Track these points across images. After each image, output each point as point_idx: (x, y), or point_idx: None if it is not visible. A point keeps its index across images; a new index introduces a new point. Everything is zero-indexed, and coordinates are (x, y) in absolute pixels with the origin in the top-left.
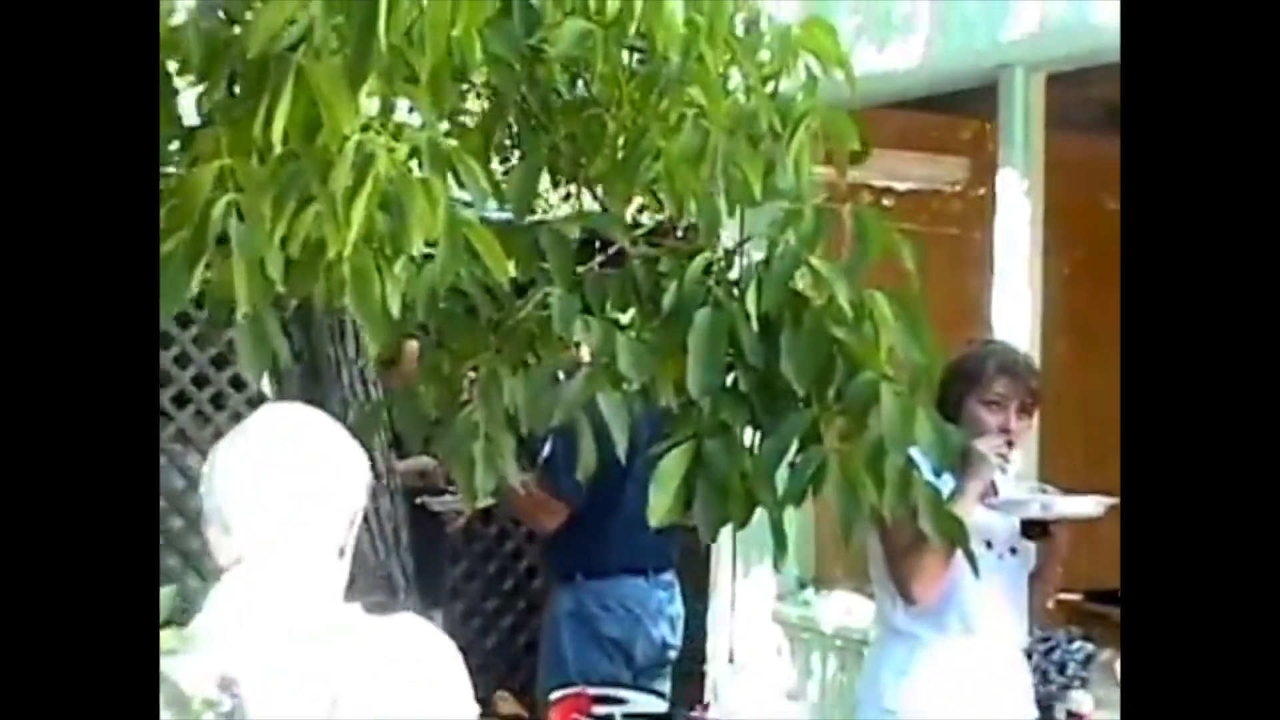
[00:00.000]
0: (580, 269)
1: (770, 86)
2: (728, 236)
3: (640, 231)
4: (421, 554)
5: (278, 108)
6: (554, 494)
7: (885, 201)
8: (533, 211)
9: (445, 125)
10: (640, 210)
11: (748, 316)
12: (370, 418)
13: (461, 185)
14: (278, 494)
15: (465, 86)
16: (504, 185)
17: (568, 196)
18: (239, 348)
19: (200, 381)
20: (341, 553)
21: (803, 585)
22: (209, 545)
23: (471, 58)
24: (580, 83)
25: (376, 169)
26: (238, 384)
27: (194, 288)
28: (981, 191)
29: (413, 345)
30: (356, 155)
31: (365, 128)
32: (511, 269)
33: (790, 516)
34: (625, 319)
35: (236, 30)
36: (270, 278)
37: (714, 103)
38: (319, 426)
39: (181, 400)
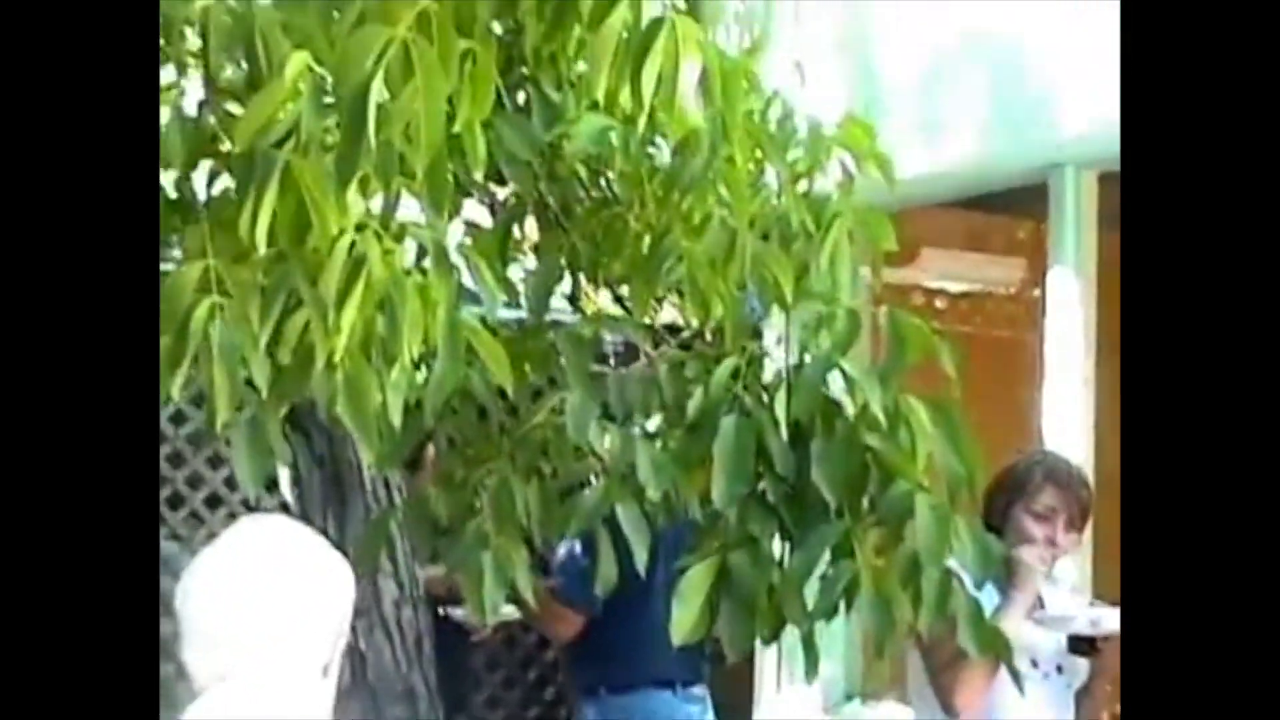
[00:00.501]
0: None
1: (804, 185)
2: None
3: (663, 334)
4: (445, 665)
5: (262, 206)
6: (568, 603)
7: (938, 303)
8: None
9: (460, 223)
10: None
11: (777, 423)
12: (378, 527)
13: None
14: (257, 612)
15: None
16: (520, 285)
17: (583, 297)
18: (235, 456)
19: (194, 482)
20: (325, 671)
21: (849, 697)
22: (186, 666)
23: (474, 155)
24: (600, 180)
25: (369, 271)
26: (233, 484)
27: (175, 392)
28: (1036, 293)
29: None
30: (348, 257)
31: (361, 227)
32: (527, 372)
33: (834, 627)
34: (647, 426)
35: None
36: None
37: (741, 202)
38: (299, 540)
39: (175, 501)
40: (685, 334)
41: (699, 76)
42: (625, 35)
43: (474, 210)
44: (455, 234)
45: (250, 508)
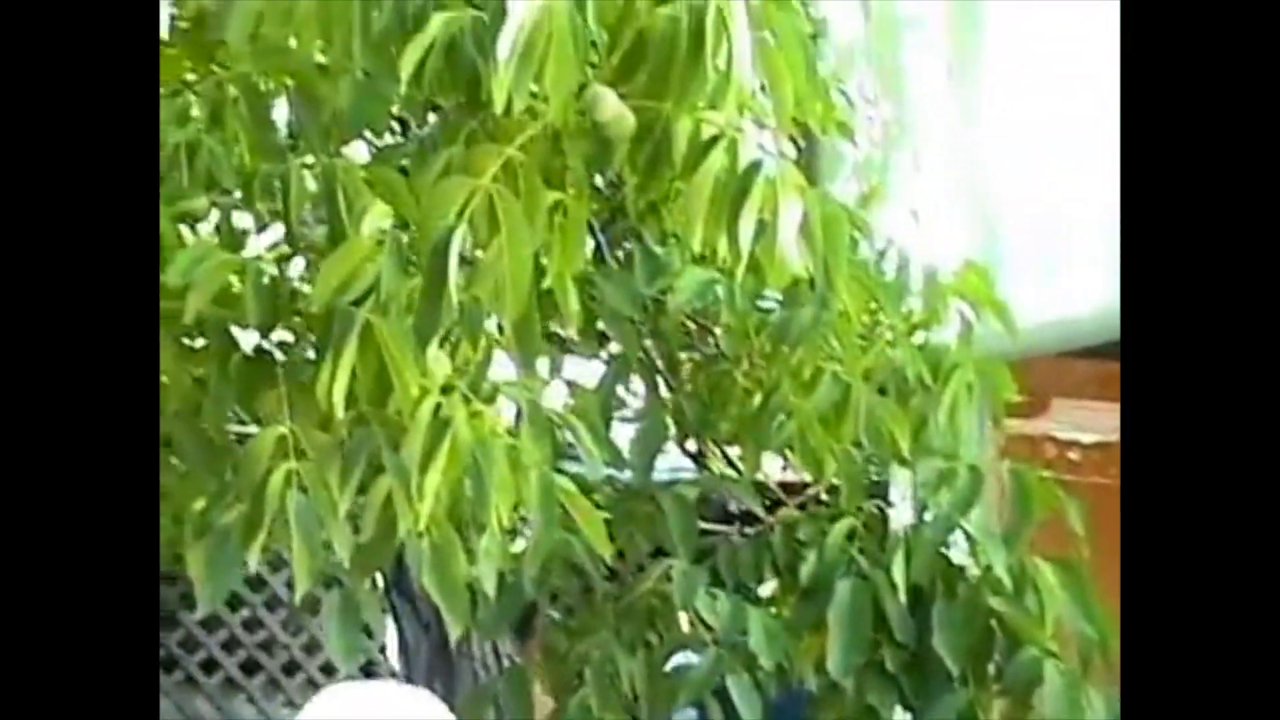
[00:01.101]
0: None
1: (921, 335)
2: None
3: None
4: None
5: (340, 367)
6: None
7: (1071, 455)
8: None
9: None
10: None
11: (895, 587)
12: (479, 702)
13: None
14: None
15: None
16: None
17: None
18: (326, 630)
19: (270, 647)
20: None
21: None
22: None
23: (567, 311)
24: (707, 336)
25: (454, 435)
26: (311, 650)
27: (252, 559)
28: None
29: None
30: (432, 419)
31: (447, 388)
32: (633, 537)
33: None
34: (760, 591)
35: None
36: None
37: (852, 355)
38: (386, 709)
39: (251, 667)
40: (803, 495)
41: (800, 223)
42: (722, 181)
43: (577, 367)
44: (559, 393)
45: (330, 673)
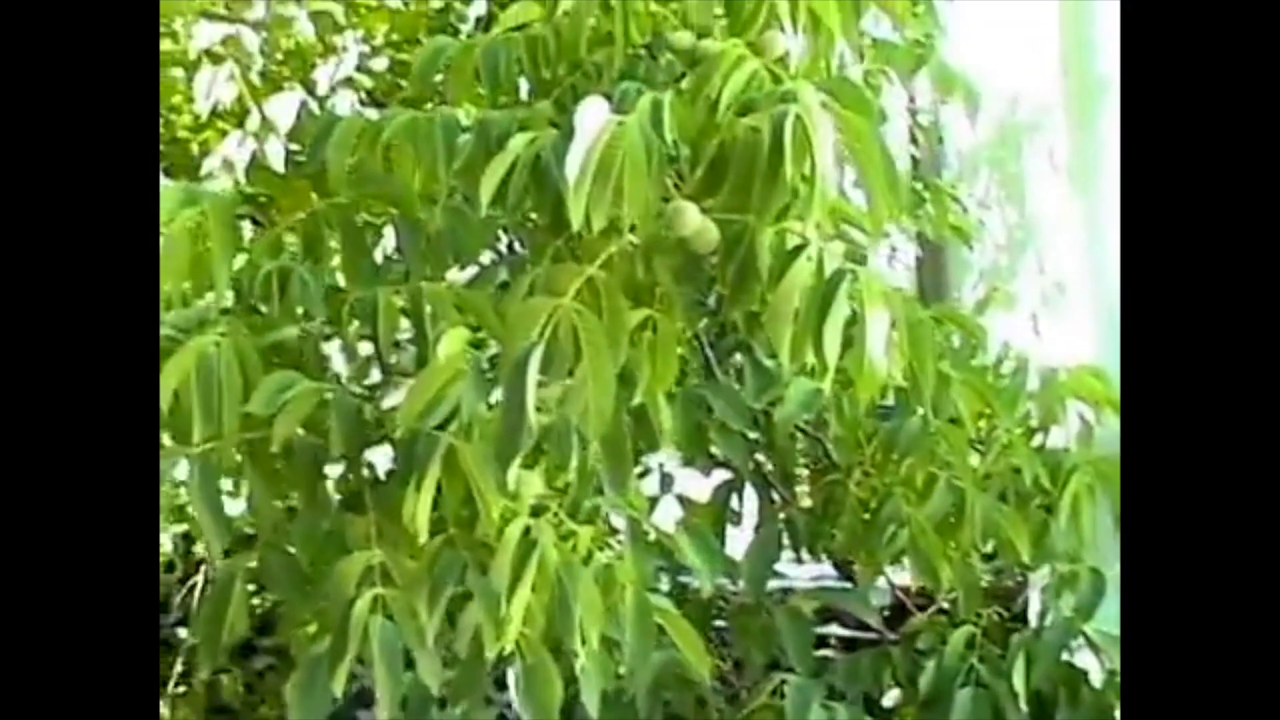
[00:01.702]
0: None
1: (1039, 439)
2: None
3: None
4: None
5: (422, 492)
6: None
7: None
8: None
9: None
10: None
11: (1016, 696)
12: None
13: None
14: None
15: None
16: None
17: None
18: None
19: None
20: None
21: None
22: None
23: (659, 429)
24: (819, 447)
25: (542, 557)
26: None
27: (338, 690)
28: None
29: None
30: (521, 541)
31: (538, 510)
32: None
33: None
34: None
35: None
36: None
37: (964, 461)
38: None
39: None
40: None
41: (889, 332)
42: (807, 292)
43: (689, 481)
44: (672, 510)
45: None
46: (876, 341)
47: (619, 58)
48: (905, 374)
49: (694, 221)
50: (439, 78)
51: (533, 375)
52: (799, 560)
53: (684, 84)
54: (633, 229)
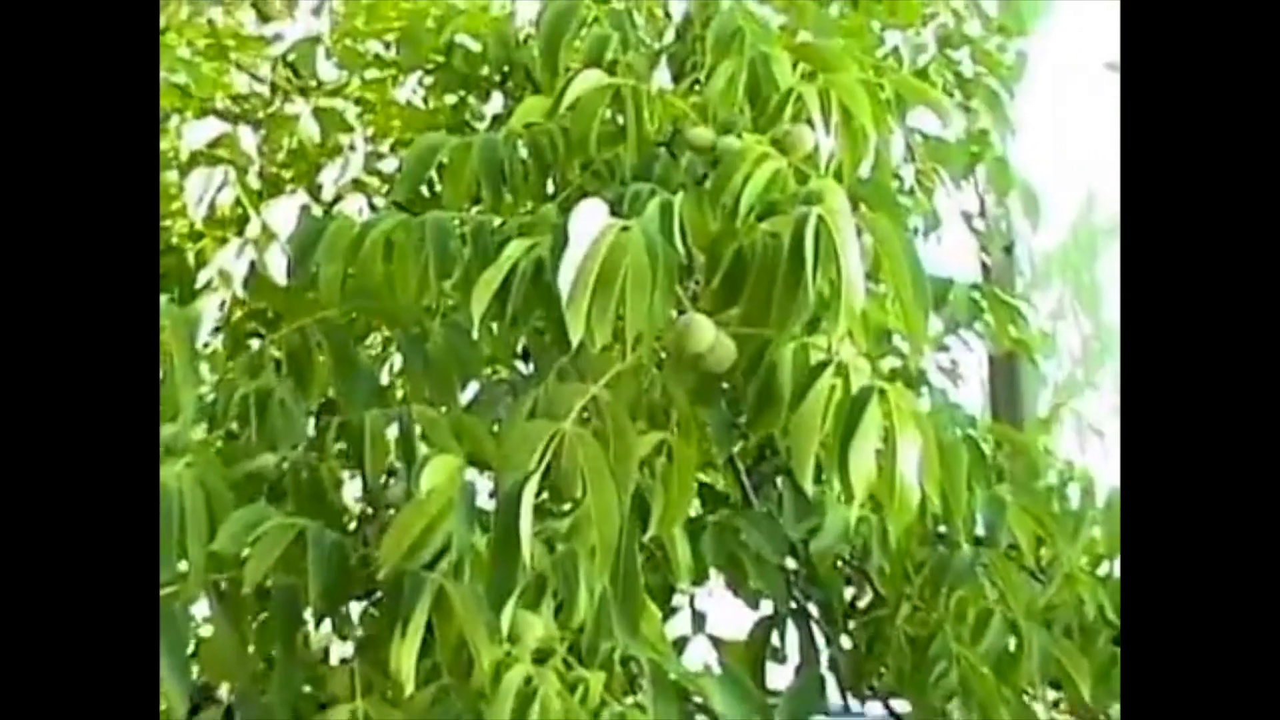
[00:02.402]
0: None
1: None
2: None
3: None
4: None
5: (409, 638)
6: None
7: None
8: None
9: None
10: None
11: None
12: None
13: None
14: None
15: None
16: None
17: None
18: None
19: None
20: None
21: None
22: None
23: (676, 563)
24: (864, 580)
25: (545, 708)
26: None
27: None
28: None
29: None
30: (520, 691)
31: (543, 655)
32: None
33: None
34: None
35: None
36: None
37: (1017, 594)
38: None
39: None
40: None
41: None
42: (831, 413)
43: (722, 608)
44: (702, 650)
45: None
46: (907, 466)
47: (632, 155)
48: (941, 500)
49: (707, 336)
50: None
51: (527, 508)
52: (845, 708)
53: (707, 185)
54: (640, 343)
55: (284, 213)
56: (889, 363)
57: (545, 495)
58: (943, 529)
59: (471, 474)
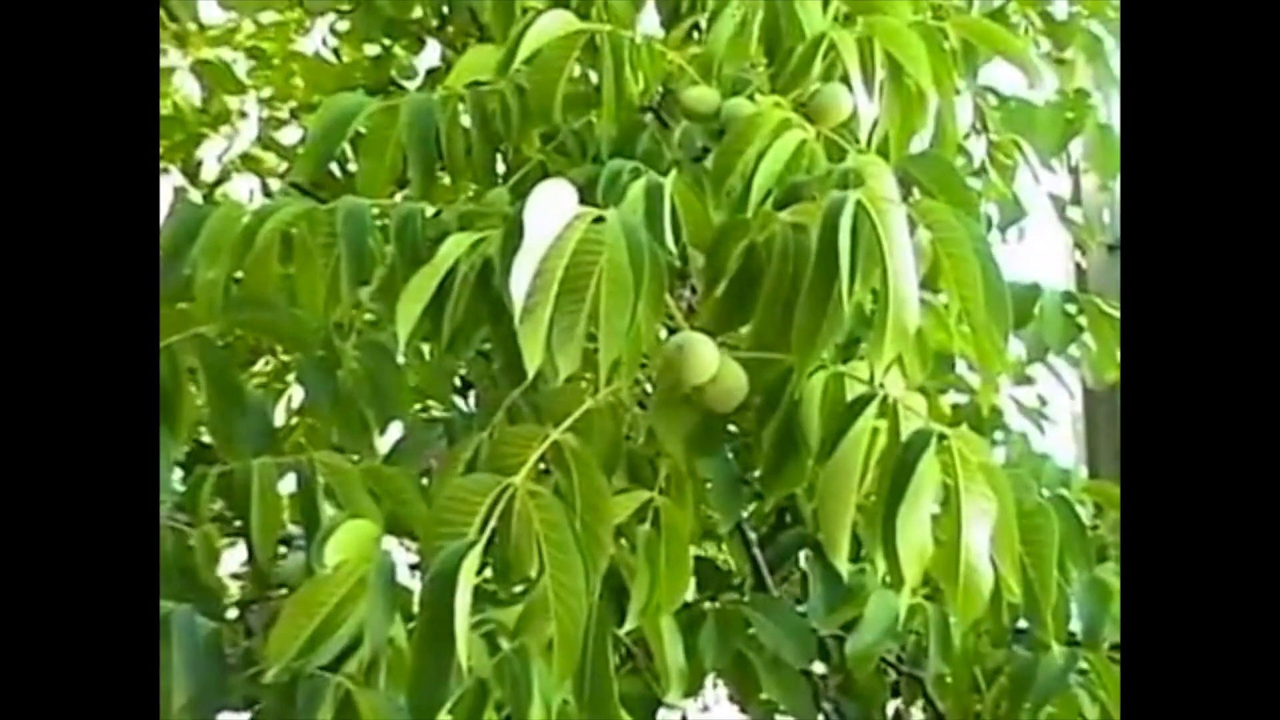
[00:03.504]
0: None
1: None
2: None
3: None
4: None
5: None
6: None
7: None
8: None
9: None
10: None
11: None
12: None
13: None
14: None
15: None
16: None
17: None
18: None
19: None
20: None
21: None
22: None
23: (665, 669)
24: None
25: None
26: None
27: None
28: None
29: None
30: None
31: None
32: None
33: None
34: None
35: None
36: None
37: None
38: None
39: None
40: None
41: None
42: (874, 465)
43: None
44: None
45: None
46: (976, 538)
47: (608, 124)
48: (1022, 585)
49: (708, 363)
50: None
51: (465, 590)
52: None
53: (708, 163)
54: (618, 373)
55: None
56: (952, 399)
57: (489, 572)
58: (1024, 623)
59: (392, 543)
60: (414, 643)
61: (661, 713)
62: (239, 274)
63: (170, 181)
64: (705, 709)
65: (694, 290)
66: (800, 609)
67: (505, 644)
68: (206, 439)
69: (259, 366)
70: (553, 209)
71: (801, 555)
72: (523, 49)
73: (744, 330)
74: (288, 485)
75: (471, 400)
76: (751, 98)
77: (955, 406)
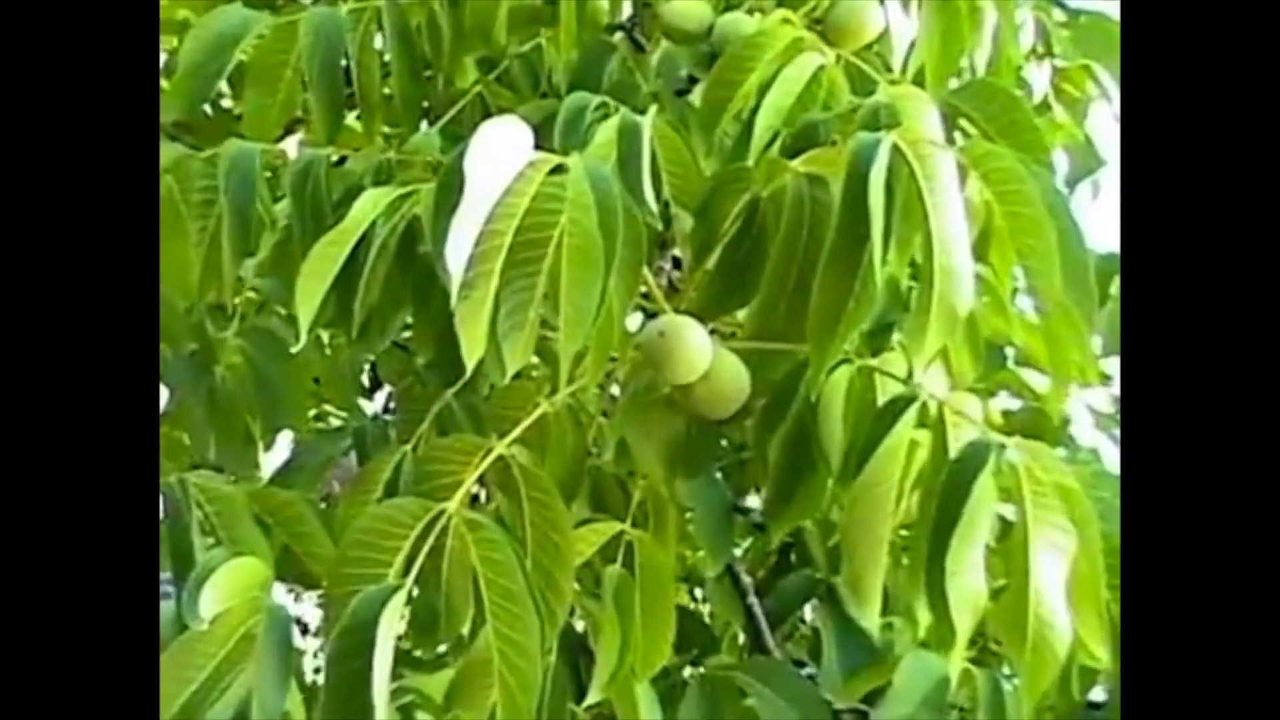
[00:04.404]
0: None
1: None
2: None
3: None
4: None
5: None
6: None
7: None
8: None
9: None
10: None
11: None
12: None
13: None
14: None
15: None
16: None
17: None
18: None
19: None
20: None
21: None
22: None
23: None
24: None
25: None
26: None
27: None
28: None
29: None
30: None
31: None
32: None
33: None
34: None
35: None
36: None
37: None
38: None
39: None
40: None
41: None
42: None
43: None
44: None
45: None
46: (1046, 583)
47: (567, 47)
48: (1109, 646)
49: (697, 356)
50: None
51: (383, 650)
52: None
53: (696, 96)
54: (582, 369)
55: None
56: (1005, 403)
57: (410, 627)
58: (1104, 693)
59: (281, 590)
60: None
61: None
62: None
63: None
64: None
65: (679, 262)
66: (809, 674)
67: None
68: None
69: None
70: (498, 156)
71: (810, 605)
72: None
73: (743, 313)
74: None
75: (390, 405)
76: (752, 12)
77: (1007, 413)
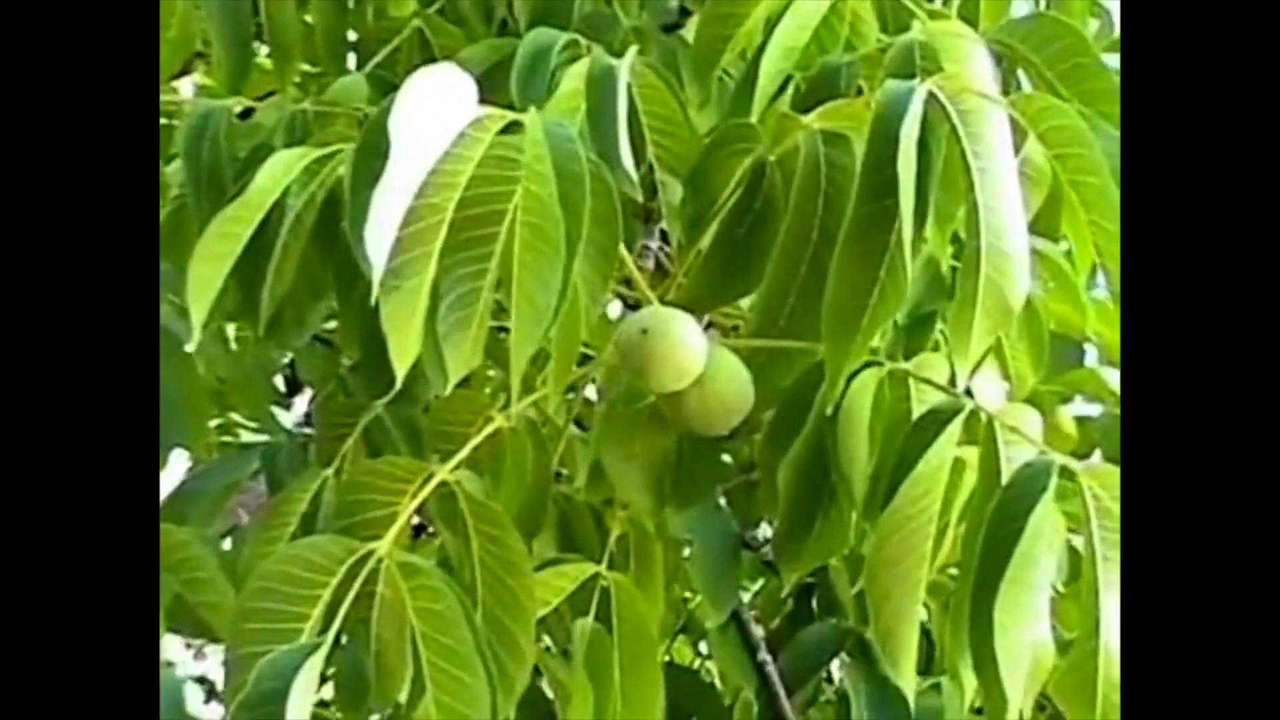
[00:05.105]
0: None
1: None
2: None
3: None
4: None
5: None
6: None
7: None
8: None
9: None
10: None
11: None
12: None
13: None
14: None
15: None
16: None
17: None
18: None
19: None
20: None
21: None
22: None
23: None
24: None
25: None
26: None
27: None
28: None
29: None
30: None
31: None
32: None
33: None
34: None
35: None
36: None
37: None
38: None
39: None
40: None
41: None
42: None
43: None
44: None
45: None
46: (1110, 633)
47: None
48: None
49: (689, 357)
50: None
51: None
52: None
53: (686, 32)
54: (545, 373)
55: None
56: (1075, 409)
57: (328, 692)
58: None
59: (178, 645)
60: None
61: None
62: None
63: None
64: None
65: (666, 240)
66: None
67: None
68: None
69: None
70: (438, 110)
71: (837, 662)
72: None
73: (746, 304)
74: None
75: (305, 415)
76: None
77: (1082, 421)
